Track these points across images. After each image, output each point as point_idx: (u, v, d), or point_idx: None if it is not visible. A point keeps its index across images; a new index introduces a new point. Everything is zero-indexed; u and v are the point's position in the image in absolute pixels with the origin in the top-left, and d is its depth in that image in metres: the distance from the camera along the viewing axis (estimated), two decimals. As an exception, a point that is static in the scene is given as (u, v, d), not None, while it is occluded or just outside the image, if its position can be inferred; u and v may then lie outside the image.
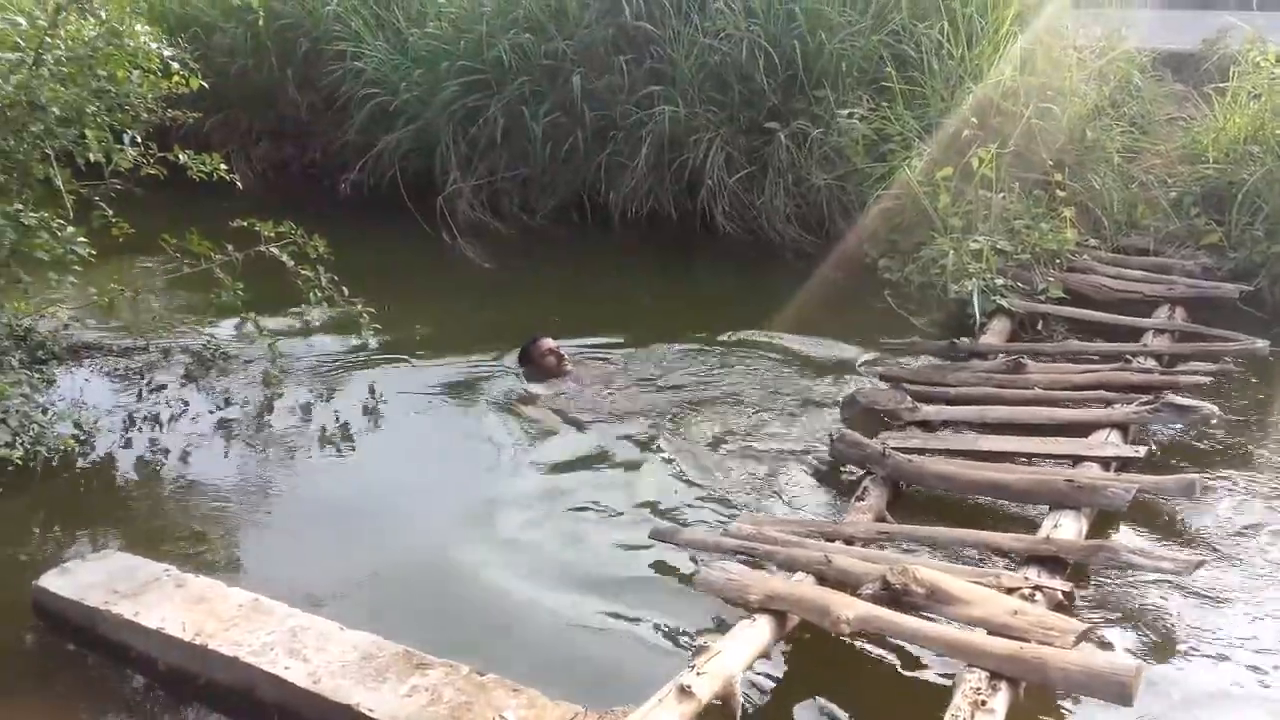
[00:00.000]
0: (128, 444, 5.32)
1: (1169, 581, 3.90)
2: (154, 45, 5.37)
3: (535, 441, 5.34)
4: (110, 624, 3.61)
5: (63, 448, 4.94)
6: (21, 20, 4.98)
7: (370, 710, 3.11)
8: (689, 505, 4.68)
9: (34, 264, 5.45)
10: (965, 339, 6.05)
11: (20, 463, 4.68)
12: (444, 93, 9.14)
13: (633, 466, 5.05)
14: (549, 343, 6.07)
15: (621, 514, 4.63)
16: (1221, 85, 7.77)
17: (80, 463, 5.10)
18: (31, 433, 4.85)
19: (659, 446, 5.21)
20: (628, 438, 5.31)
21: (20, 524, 4.61)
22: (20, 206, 5.17)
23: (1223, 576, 3.99)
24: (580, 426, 5.45)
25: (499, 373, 6.14)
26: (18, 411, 4.82)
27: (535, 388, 5.89)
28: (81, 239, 5.35)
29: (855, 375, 6.01)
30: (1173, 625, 3.75)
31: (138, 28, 5.26)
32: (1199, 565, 3.69)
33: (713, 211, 8.46)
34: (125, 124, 5.40)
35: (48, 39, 4.92)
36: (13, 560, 4.39)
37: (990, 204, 6.84)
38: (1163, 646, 3.65)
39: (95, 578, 3.78)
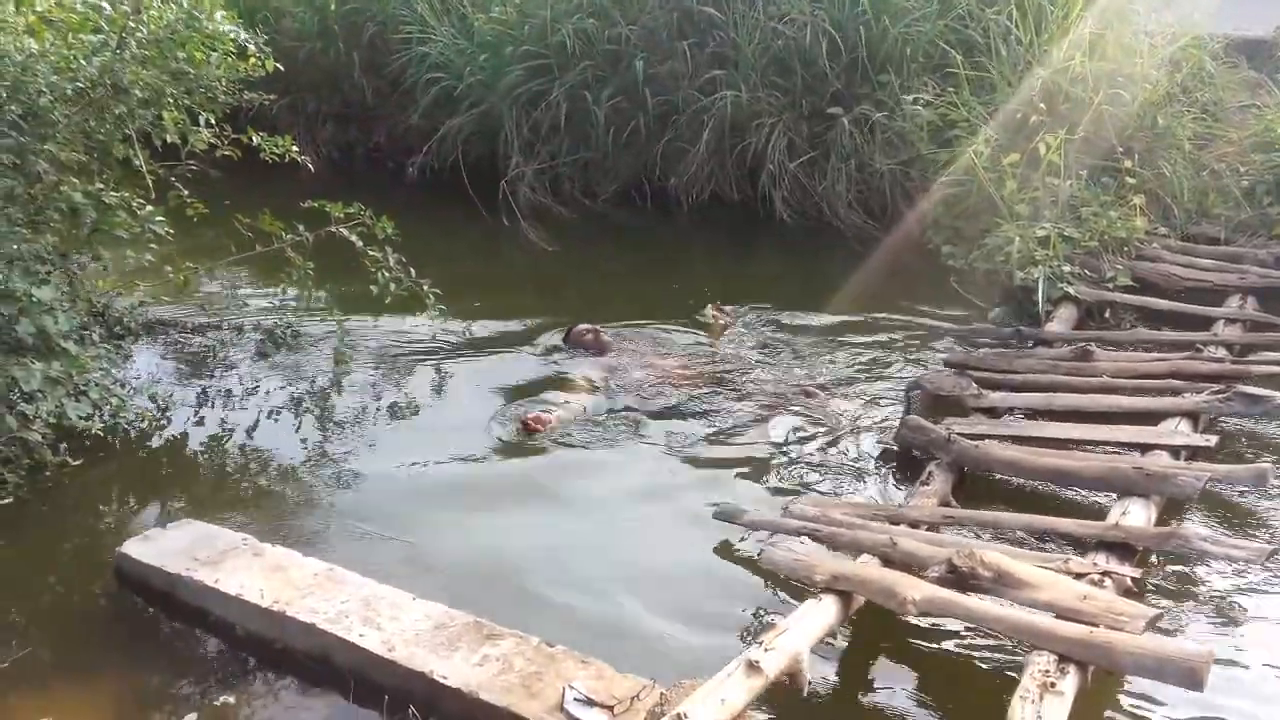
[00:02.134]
0: (201, 418, 5.45)
1: (1240, 570, 3.87)
2: (230, 29, 5.46)
3: (595, 418, 5.39)
4: (191, 590, 3.71)
5: (141, 420, 5.08)
6: (105, 4, 5.10)
7: (444, 678, 3.18)
8: (750, 485, 4.71)
9: (113, 242, 5.59)
10: (1031, 326, 6.02)
11: (100, 434, 4.84)
12: (507, 77, 9.22)
13: (691, 445, 5.09)
14: (585, 325, 6.28)
15: (683, 493, 4.68)
16: (1296, 73, 7.62)
17: (156, 435, 5.23)
18: (111, 405, 4.99)
19: (717, 425, 5.25)
20: (683, 415, 5.37)
21: (100, 493, 4.75)
22: (101, 186, 5.31)
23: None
24: (633, 404, 5.51)
25: (555, 355, 6.22)
26: (98, 385, 4.95)
27: (586, 368, 5.97)
28: (159, 218, 5.48)
29: (919, 360, 5.99)
30: (1243, 613, 3.71)
31: (217, 15, 5.35)
32: (1272, 554, 3.65)
33: (773, 197, 8.45)
34: (202, 105, 5.50)
35: (131, 23, 5.03)
36: (94, 527, 4.53)
37: (1057, 191, 6.77)
38: (1233, 633, 3.62)
39: (176, 545, 3.90)
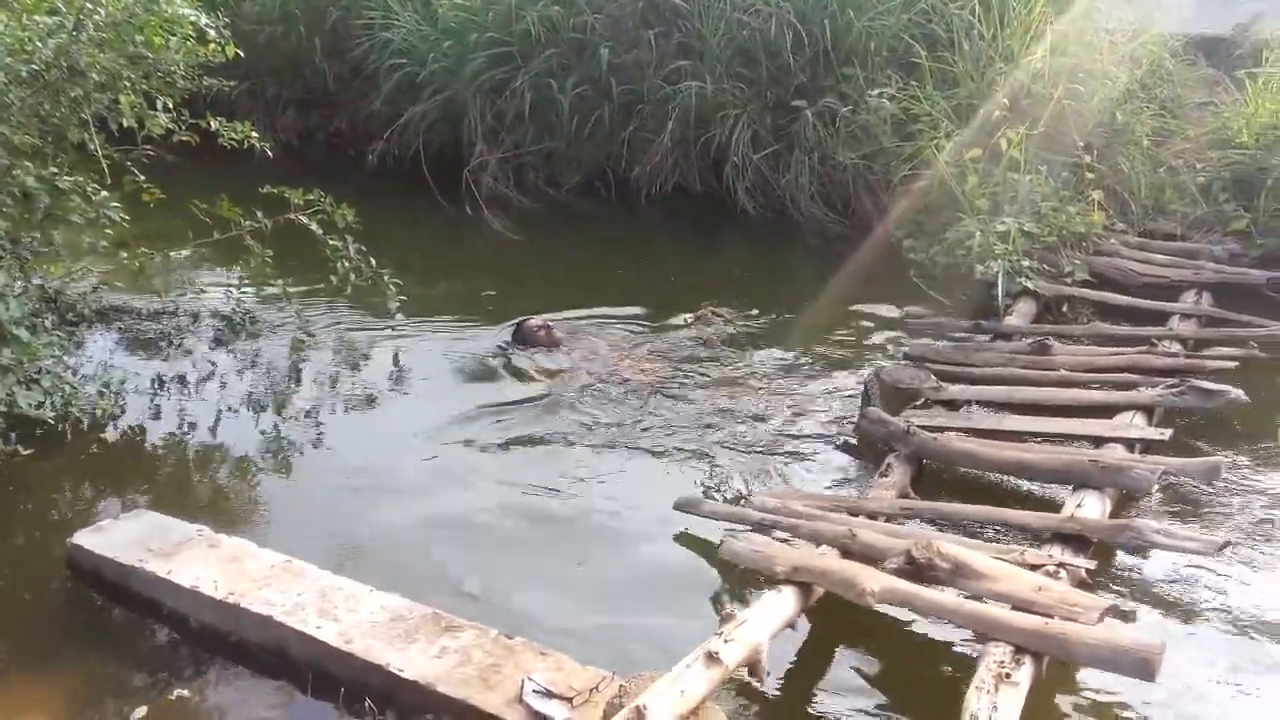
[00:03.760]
0: (157, 406, 5.38)
1: (1193, 562, 3.92)
2: (189, 13, 5.38)
3: (552, 412, 5.37)
4: (144, 581, 3.67)
5: (94, 409, 5.00)
6: (61, -16, 5.01)
7: (401, 670, 3.16)
8: (709, 476, 4.72)
9: (67, 227, 5.49)
10: (991, 320, 6.07)
11: (52, 423, 4.75)
12: (471, 65, 9.14)
13: (648, 437, 5.09)
14: (536, 320, 6.22)
15: (642, 484, 4.68)
16: (1254, 70, 7.72)
17: (110, 424, 5.14)
18: (62, 394, 4.90)
19: (676, 417, 5.26)
20: (640, 408, 5.37)
21: (52, 483, 4.67)
22: (55, 170, 5.21)
23: (1246, 558, 4.01)
24: (589, 398, 5.49)
25: (508, 350, 6.16)
26: (49, 373, 4.87)
27: (542, 361, 5.94)
28: (114, 203, 5.39)
29: (880, 353, 6.03)
30: (1195, 605, 3.77)
31: (175, -4, 5.27)
32: (1224, 546, 3.71)
33: (737, 189, 8.46)
34: (160, 90, 5.41)
35: (89, 5, 4.93)
36: (45, 518, 4.46)
37: (1018, 186, 6.82)
38: (1185, 625, 3.68)
39: (129, 536, 3.85)
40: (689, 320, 6.50)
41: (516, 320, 6.29)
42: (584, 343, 6.18)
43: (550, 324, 6.20)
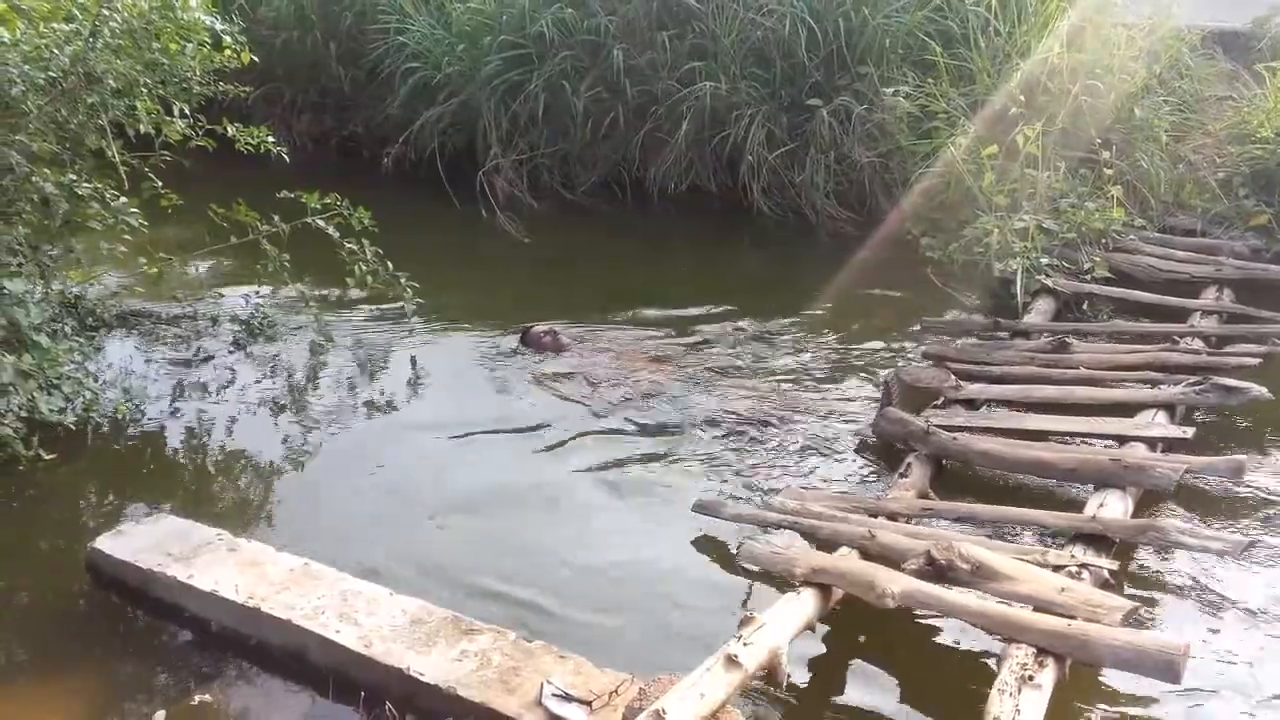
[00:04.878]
0: (176, 410, 5.40)
1: (1217, 562, 3.88)
2: (204, 18, 5.40)
3: (567, 416, 5.35)
4: (164, 586, 3.68)
5: (115, 414, 5.03)
6: (77, -9, 5.04)
7: (421, 673, 3.16)
8: (728, 478, 4.70)
9: (86, 233, 5.52)
10: (1009, 318, 6.04)
11: (72, 428, 4.78)
12: (486, 68, 9.16)
13: (665, 440, 5.07)
14: (542, 326, 6.20)
15: (660, 487, 4.67)
16: (1273, 64, 7.65)
17: (130, 429, 5.17)
18: (83, 399, 4.95)
19: (692, 420, 5.24)
20: (656, 411, 5.35)
21: (73, 488, 4.69)
22: (74, 177, 5.24)
23: (1271, 557, 3.96)
24: (603, 402, 5.48)
25: (517, 356, 6.14)
26: (70, 378, 4.91)
27: (550, 366, 5.92)
28: (133, 209, 5.42)
29: (898, 352, 6.00)
30: (1219, 606, 3.73)
31: (191, 3, 5.29)
32: (1249, 546, 3.67)
33: (752, 188, 8.44)
34: (177, 96, 5.44)
35: (105, 11, 4.96)
36: (66, 523, 4.48)
37: (1036, 182, 6.78)
38: (1210, 625, 3.63)
39: (149, 540, 3.86)
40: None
41: (523, 326, 6.27)
42: (593, 348, 6.16)
43: (556, 329, 6.18)
